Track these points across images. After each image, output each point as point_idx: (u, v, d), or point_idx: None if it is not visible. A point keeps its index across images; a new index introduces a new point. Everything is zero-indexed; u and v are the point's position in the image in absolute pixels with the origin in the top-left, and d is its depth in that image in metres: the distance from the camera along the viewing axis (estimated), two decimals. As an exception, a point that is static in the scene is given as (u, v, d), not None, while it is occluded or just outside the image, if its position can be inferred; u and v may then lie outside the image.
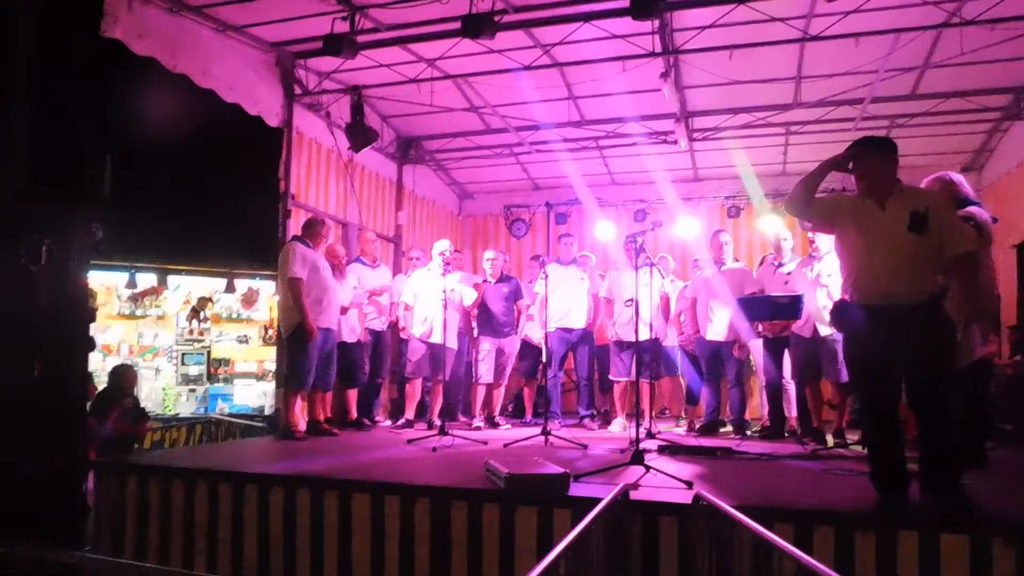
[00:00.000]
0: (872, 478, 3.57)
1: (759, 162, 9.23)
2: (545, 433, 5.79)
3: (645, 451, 4.49)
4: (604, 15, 6.07)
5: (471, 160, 9.84)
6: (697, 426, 6.96)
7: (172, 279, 10.98)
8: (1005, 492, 3.85)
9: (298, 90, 7.14)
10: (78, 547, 4.08)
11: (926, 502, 3.32)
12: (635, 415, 4.95)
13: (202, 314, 11.06)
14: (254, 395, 11.14)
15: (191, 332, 11.04)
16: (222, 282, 11.17)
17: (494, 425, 7.30)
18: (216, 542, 4.13)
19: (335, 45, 5.99)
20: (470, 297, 7.25)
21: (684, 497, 3.42)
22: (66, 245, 4.10)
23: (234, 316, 11.30)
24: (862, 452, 5.18)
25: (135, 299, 10.86)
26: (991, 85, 7.38)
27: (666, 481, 3.91)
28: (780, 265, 6.46)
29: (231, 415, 10.17)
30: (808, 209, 3.79)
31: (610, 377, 7.28)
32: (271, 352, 10.11)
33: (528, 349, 7.85)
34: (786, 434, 6.41)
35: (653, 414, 7.03)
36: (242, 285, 11.32)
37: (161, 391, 10.72)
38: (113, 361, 9.69)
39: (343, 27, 6.07)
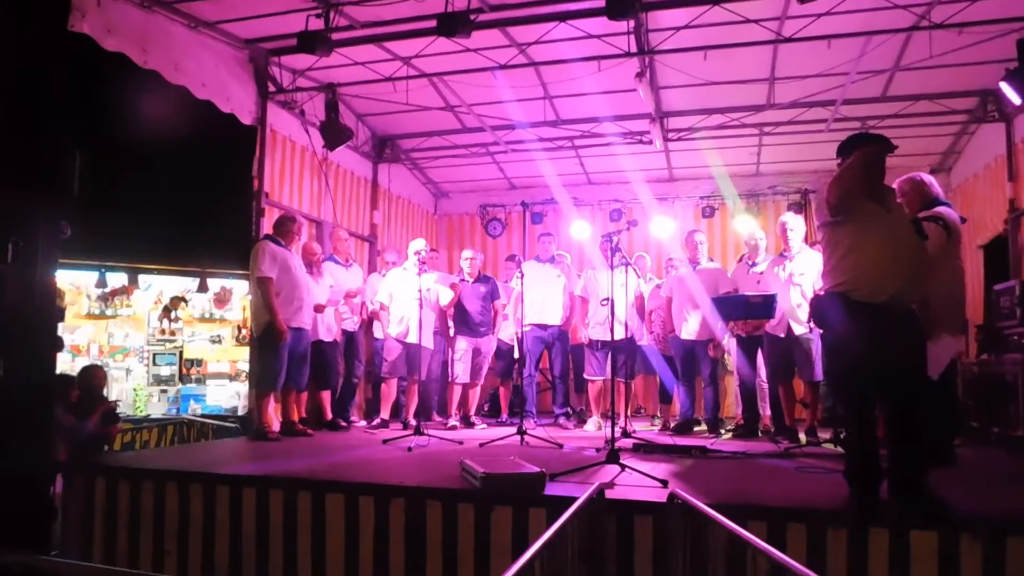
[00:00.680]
0: (847, 475, 3.60)
1: (733, 162, 9.32)
2: (520, 432, 5.79)
3: (620, 450, 4.51)
4: (580, 15, 6.08)
5: (447, 159, 9.82)
6: (672, 425, 7.01)
7: (143, 278, 10.83)
8: (972, 489, 3.91)
9: (272, 87, 7.06)
10: (45, 551, 4.00)
11: (894, 504, 3.36)
12: (610, 414, 4.96)
13: (174, 313, 10.92)
14: (227, 396, 11.02)
15: (163, 332, 10.89)
16: (194, 281, 11.04)
17: (470, 425, 7.29)
18: (187, 544, 4.07)
19: (309, 42, 5.94)
20: (446, 297, 7.23)
21: (659, 496, 3.44)
22: (34, 243, 4.02)
23: (207, 316, 11.17)
24: (834, 450, 5.26)
25: (105, 299, 10.68)
26: (959, 88, 7.51)
27: (641, 480, 3.93)
28: (754, 265, 6.52)
29: (203, 416, 10.04)
30: (858, 201, 3.55)
31: (585, 376, 7.30)
32: (244, 352, 10.01)
33: (503, 349, 7.85)
34: (760, 433, 6.47)
35: (628, 413, 7.05)
36: (215, 284, 11.20)
37: (132, 392, 10.57)
38: (83, 362, 9.54)
39: (318, 24, 6.01)
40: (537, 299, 7.24)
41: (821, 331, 4.40)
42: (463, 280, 7.40)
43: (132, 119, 8.07)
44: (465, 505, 3.59)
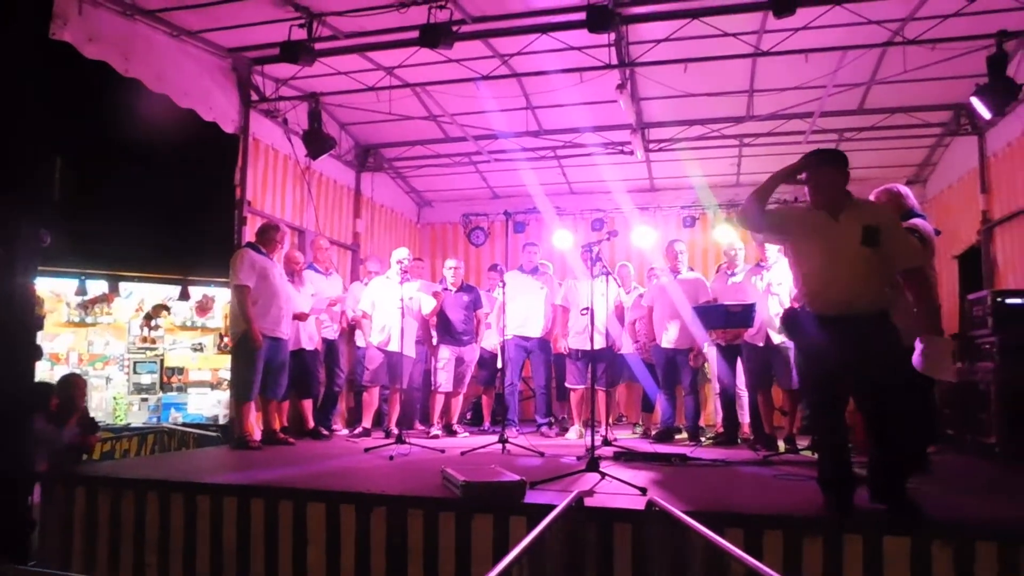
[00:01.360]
0: (819, 482, 3.66)
1: (713, 173, 9.42)
2: (502, 441, 5.82)
3: (601, 458, 4.54)
4: (561, 27, 6.14)
5: (430, 168, 9.85)
6: (653, 433, 7.06)
7: (124, 286, 10.73)
8: (946, 495, 3.99)
9: (255, 96, 7.07)
10: (22, 561, 3.97)
11: (876, 509, 3.42)
12: (591, 422, 5.00)
13: (154, 322, 10.83)
14: (209, 404, 10.92)
15: (144, 340, 10.79)
16: (176, 289, 10.96)
17: (452, 433, 7.29)
18: (167, 555, 4.06)
19: (292, 52, 5.96)
20: (428, 305, 7.23)
21: (638, 503, 3.47)
22: (12, 251, 4.01)
23: (188, 324, 11.09)
24: (812, 458, 5.31)
25: (85, 306, 10.58)
26: (933, 102, 7.66)
27: (621, 488, 3.96)
28: (732, 275, 6.60)
29: (185, 425, 9.96)
30: (760, 220, 3.86)
31: (566, 385, 7.33)
32: (226, 360, 9.94)
33: (486, 357, 7.87)
34: (739, 441, 6.54)
35: (610, 421, 7.10)
36: (197, 292, 11.11)
37: (112, 401, 10.45)
38: (62, 370, 9.42)
39: (301, 34, 6.04)
40: (520, 310, 7.27)
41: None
42: (446, 289, 7.42)
43: (113, 127, 8.03)
44: (446, 513, 3.61)
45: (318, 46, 6.12)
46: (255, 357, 5.85)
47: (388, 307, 6.84)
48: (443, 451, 5.72)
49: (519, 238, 9.77)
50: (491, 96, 7.63)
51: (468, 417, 8.50)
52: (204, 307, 11.17)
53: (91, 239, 9.57)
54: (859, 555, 3.18)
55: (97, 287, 10.58)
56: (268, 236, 6.18)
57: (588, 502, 3.48)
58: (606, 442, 6.17)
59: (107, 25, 5.51)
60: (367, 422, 7.15)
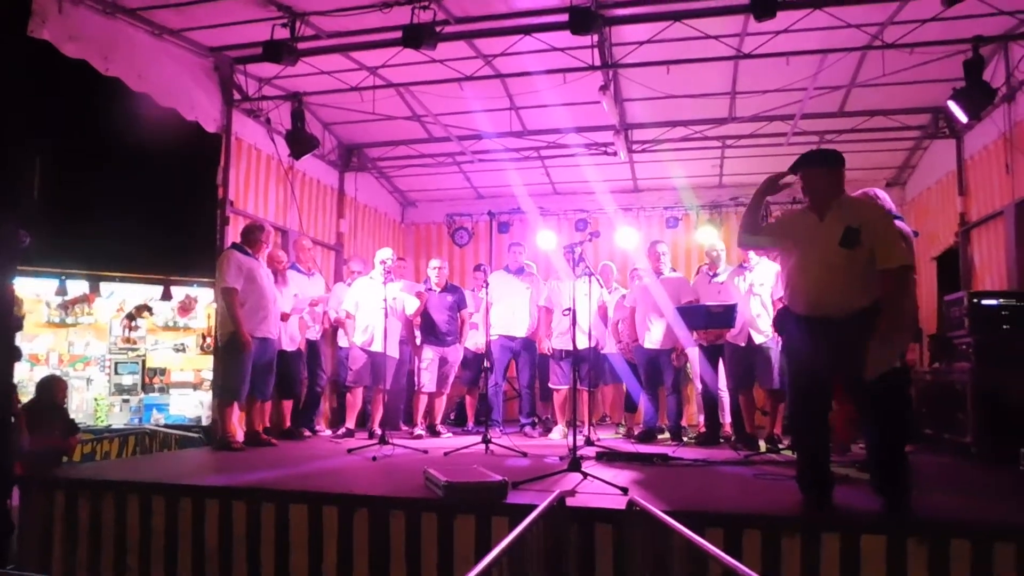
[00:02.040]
0: (798, 480, 3.71)
1: (696, 174, 9.47)
2: (486, 441, 5.83)
3: (583, 458, 4.56)
4: (544, 28, 6.17)
5: (414, 168, 9.84)
6: (636, 433, 7.09)
7: (105, 286, 10.64)
8: (922, 494, 4.03)
9: (237, 96, 7.03)
10: (1, 566, 3.94)
11: (853, 508, 3.47)
12: (573, 422, 5.02)
13: (135, 322, 10.74)
14: (191, 405, 10.85)
15: (125, 340, 10.71)
16: (157, 289, 10.88)
17: (435, 434, 7.29)
18: (149, 558, 4.04)
19: (275, 51, 5.94)
20: (412, 306, 7.22)
21: (619, 503, 3.49)
22: (-10, 252, 3.98)
23: (170, 324, 11.01)
24: (792, 457, 5.37)
25: (65, 307, 10.48)
26: (912, 105, 7.76)
27: (602, 487, 3.99)
28: (714, 275, 6.65)
29: (167, 426, 9.89)
30: (759, 237, 3.90)
31: (550, 385, 7.35)
32: (209, 361, 9.89)
33: (470, 358, 7.87)
34: (721, 440, 6.59)
35: (593, 421, 7.12)
36: (179, 293, 11.04)
37: (93, 402, 10.37)
38: (41, 371, 9.34)
39: (283, 33, 6.02)
40: (505, 311, 7.28)
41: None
42: (430, 289, 7.41)
43: (94, 126, 7.97)
44: (428, 514, 3.62)
45: (301, 46, 6.11)
46: (243, 359, 5.82)
47: (371, 307, 6.83)
48: (426, 452, 5.73)
49: (503, 238, 9.80)
50: (475, 96, 7.64)
51: (452, 417, 8.50)
52: (186, 307, 11.09)
53: (71, 239, 9.49)
54: (836, 553, 3.22)
55: (78, 287, 10.48)
56: (253, 236, 6.15)
57: (570, 502, 3.49)
58: (589, 442, 6.20)
59: (88, 23, 5.46)
60: (351, 423, 7.14)
